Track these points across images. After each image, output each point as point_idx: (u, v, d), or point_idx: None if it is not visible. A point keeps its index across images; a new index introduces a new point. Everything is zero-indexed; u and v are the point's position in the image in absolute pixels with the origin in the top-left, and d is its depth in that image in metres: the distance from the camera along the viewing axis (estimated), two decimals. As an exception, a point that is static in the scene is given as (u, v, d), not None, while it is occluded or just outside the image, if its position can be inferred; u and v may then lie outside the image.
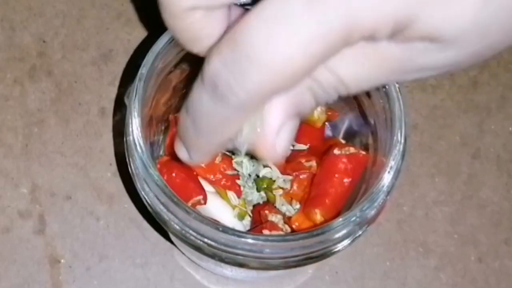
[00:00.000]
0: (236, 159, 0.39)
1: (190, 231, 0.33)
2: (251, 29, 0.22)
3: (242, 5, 0.28)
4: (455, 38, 0.22)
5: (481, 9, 0.21)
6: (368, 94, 0.36)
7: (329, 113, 0.40)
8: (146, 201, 0.34)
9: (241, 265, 0.33)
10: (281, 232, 0.37)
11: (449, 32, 0.22)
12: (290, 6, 0.22)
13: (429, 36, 0.22)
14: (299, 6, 0.21)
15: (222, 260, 0.33)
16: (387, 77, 0.24)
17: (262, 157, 0.27)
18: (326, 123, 0.42)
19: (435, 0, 0.21)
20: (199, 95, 0.25)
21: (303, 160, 0.39)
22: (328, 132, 0.43)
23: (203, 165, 0.37)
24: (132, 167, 0.34)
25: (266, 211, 0.38)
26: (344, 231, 0.32)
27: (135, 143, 0.33)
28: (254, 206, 0.40)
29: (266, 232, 0.37)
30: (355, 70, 0.24)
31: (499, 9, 0.21)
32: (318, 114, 0.39)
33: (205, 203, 0.38)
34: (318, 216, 0.37)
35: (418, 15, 0.21)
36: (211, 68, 0.24)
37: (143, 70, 0.34)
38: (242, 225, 0.39)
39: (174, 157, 0.40)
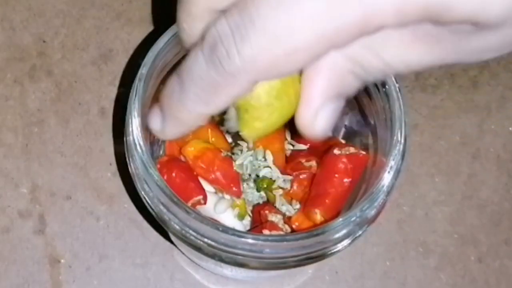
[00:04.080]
0: (237, 159, 0.39)
1: (190, 231, 0.33)
2: None
3: None
4: (500, 20, 0.21)
5: None
6: (368, 94, 0.36)
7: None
8: (146, 201, 0.34)
9: (241, 265, 0.33)
10: (281, 232, 0.37)
11: (491, 15, 0.21)
12: None
13: (469, 20, 0.21)
14: None
15: (222, 260, 0.33)
16: (440, 60, 0.23)
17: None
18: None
19: None
20: (195, 56, 0.24)
21: (303, 160, 0.39)
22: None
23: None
24: (132, 167, 0.34)
25: (266, 211, 0.38)
26: (344, 231, 0.32)
27: (135, 143, 0.33)
28: (254, 206, 0.40)
29: (266, 232, 0.37)
30: (402, 54, 0.23)
31: None
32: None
33: (205, 203, 0.38)
34: (318, 216, 0.37)
35: (452, 1, 0.20)
36: (216, 28, 0.23)
37: (143, 70, 0.34)
38: (242, 225, 0.39)
39: (174, 157, 0.40)
